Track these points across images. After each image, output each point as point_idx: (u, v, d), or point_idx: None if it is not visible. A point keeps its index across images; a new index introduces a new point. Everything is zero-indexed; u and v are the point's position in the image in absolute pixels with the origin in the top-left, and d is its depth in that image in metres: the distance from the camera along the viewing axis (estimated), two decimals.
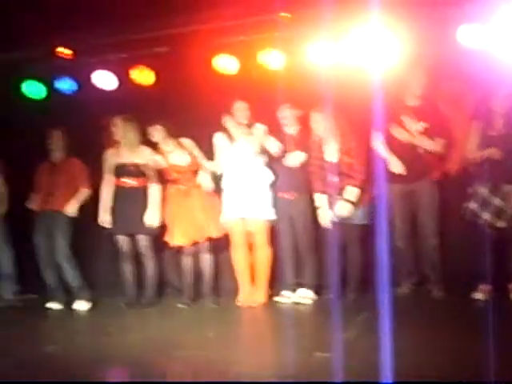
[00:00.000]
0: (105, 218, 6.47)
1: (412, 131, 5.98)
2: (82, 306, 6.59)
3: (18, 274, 7.01)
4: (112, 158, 6.54)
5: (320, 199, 6.06)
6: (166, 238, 6.46)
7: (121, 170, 6.48)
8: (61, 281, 6.76)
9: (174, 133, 6.39)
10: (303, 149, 6.18)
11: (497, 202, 5.62)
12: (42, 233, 6.68)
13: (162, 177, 6.53)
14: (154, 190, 6.47)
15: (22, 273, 7.05)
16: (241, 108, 6.27)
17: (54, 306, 6.66)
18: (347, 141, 5.95)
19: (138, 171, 6.46)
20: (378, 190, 5.35)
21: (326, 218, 6.01)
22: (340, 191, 5.91)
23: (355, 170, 5.90)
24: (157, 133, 6.40)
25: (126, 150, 6.50)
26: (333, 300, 5.56)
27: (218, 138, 6.36)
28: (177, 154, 6.43)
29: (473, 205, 5.70)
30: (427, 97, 6.02)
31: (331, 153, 5.99)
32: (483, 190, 5.66)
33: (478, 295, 5.67)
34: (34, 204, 6.69)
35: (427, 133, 5.96)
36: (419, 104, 6.02)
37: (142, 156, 6.49)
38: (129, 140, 6.48)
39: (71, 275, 6.65)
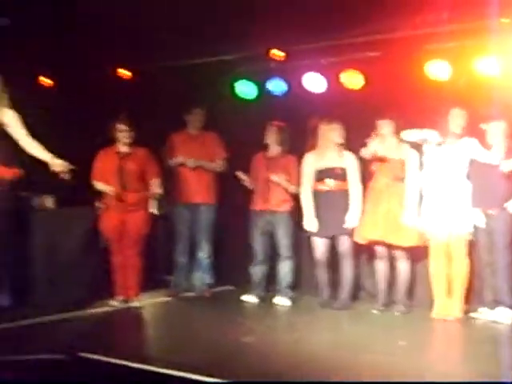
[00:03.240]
0: (311, 222, 6.58)
1: None
2: (283, 301, 6.78)
3: (213, 266, 7.30)
4: (314, 161, 6.63)
5: None
6: (357, 234, 6.43)
7: (324, 173, 6.55)
8: (265, 276, 7.01)
9: (401, 129, 6.34)
10: None
11: None
12: (260, 230, 6.93)
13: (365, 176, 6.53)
14: (355, 192, 6.48)
15: (218, 264, 7.35)
16: (458, 115, 6.10)
17: (250, 299, 6.92)
18: None
19: (341, 174, 6.51)
20: None
21: None
22: None
23: None
24: (386, 126, 6.39)
25: (328, 153, 6.56)
26: None
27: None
28: (396, 151, 6.38)
29: None
30: None
31: None
32: None
33: None
34: (253, 204, 6.96)
35: None
36: None
37: (346, 159, 6.54)
38: (332, 143, 6.54)
39: (286, 271, 6.86)
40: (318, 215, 6.55)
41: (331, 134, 6.55)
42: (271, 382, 4.33)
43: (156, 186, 6.61)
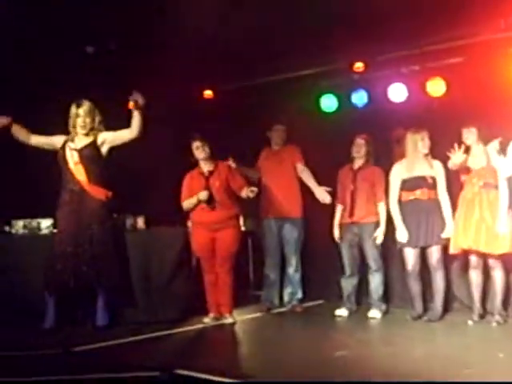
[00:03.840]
0: (403, 233, 6.52)
1: None
2: (376, 314, 6.75)
3: (303, 280, 7.30)
4: (401, 171, 6.58)
5: None
6: (451, 245, 6.32)
7: (414, 183, 6.49)
8: (354, 289, 7.00)
9: (486, 137, 6.23)
10: None
11: None
12: (347, 242, 6.95)
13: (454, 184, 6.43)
14: (446, 201, 6.40)
15: (305, 279, 7.36)
16: None
17: (342, 313, 6.89)
18: None
19: (432, 183, 6.43)
20: None
21: None
22: None
23: None
24: (471, 135, 6.29)
25: (417, 162, 6.50)
26: None
27: None
28: (483, 158, 6.26)
29: None
30: None
31: None
32: None
33: None
34: (340, 217, 6.98)
35: None
36: None
37: (435, 167, 6.47)
38: (420, 153, 6.47)
39: (377, 284, 6.85)
40: (410, 225, 6.49)
41: (419, 143, 6.49)
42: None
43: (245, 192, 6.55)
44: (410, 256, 6.51)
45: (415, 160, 6.52)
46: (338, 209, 7.04)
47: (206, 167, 6.62)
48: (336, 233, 7.01)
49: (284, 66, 7.17)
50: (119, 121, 6.29)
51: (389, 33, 6.19)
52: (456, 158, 6.17)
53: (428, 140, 6.49)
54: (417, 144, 6.50)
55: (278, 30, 6.52)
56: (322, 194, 6.94)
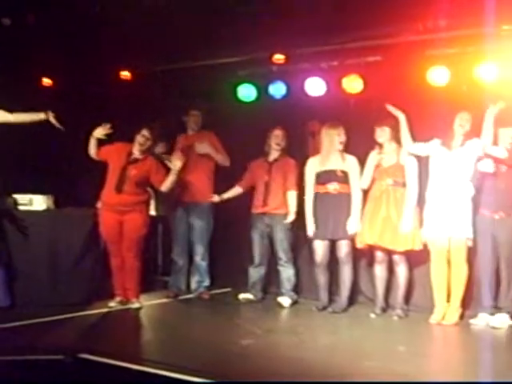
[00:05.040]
0: (311, 227, 6.61)
1: None
2: (286, 301, 6.84)
3: (210, 268, 7.29)
4: (315, 165, 6.66)
5: None
6: (357, 240, 6.47)
7: (325, 177, 6.58)
8: (262, 278, 7.07)
9: (399, 137, 6.38)
10: None
11: None
12: (259, 232, 6.98)
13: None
14: (356, 196, 6.51)
15: (214, 267, 7.37)
16: (463, 119, 6.12)
17: (246, 296, 6.99)
18: None
19: (343, 177, 6.53)
20: None
21: None
22: None
23: None
24: (383, 133, 6.42)
25: (332, 157, 6.59)
26: None
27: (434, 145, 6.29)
28: (395, 156, 6.43)
29: None
30: None
31: None
32: None
33: None
34: (253, 207, 7.00)
35: None
36: None
37: (348, 162, 6.57)
38: (335, 147, 6.57)
39: (289, 274, 6.93)
40: (320, 218, 6.58)
41: (334, 138, 6.58)
42: (269, 382, 4.36)
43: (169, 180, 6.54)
44: (319, 248, 6.61)
45: (330, 154, 6.61)
46: (236, 189, 7.10)
47: (136, 153, 6.55)
48: (215, 198, 7.04)
49: (204, 53, 7.11)
50: (21, 96, 6.12)
51: (310, 27, 6.23)
52: (371, 157, 6.38)
53: (343, 135, 6.60)
54: (332, 139, 6.59)
55: (199, 17, 6.46)
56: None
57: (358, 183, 6.54)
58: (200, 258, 7.21)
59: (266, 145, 6.99)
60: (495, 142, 5.96)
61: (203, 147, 7.04)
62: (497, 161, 5.96)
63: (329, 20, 6.09)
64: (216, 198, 7.02)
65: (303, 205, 6.75)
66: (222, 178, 7.21)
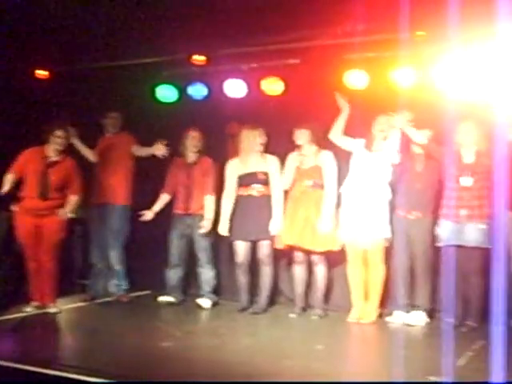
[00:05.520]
0: (224, 228, 6.63)
1: None
2: (206, 303, 6.83)
3: (127, 271, 7.21)
4: (236, 167, 6.68)
5: (443, 224, 5.95)
6: (278, 241, 6.51)
7: (248, 179, 6.60)
8: (180, 280, 7.02)
9: (318, 137, 6.46)
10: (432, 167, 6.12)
11: None
12: (178, 232, 6.93)
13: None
14: (277, 197, 6.54)
15: (133, 269, 7.28)
16: (383, 123, 6.25)
17: (166, 299, 6.94)
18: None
19: (265, 179, 6.57)
20: (497, 214, 5.10)
21: (444, 240, 5.91)
22: (469, 218, 5.81)
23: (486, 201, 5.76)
24: (302, 136, 6.48)
25: (252, 158, 6.62)
26: (448, 325, 5.47)
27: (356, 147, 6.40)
28: (313, 158, 6.50)
29: None
30: None
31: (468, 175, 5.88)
32: None
33: None
34: (175, 207, 6.95)
35: None
36: None
37: (269, 163, 6.60)
38: (255, 149, 6.60)
39: (209, 276, 6.91)
40: (241, 220, 6.59)
41: (255, 140, 6.61)
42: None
43: (72, 203, 6.49)
44: (240, 249, 6.63)
45: (249, 156, 6.64)
46: (164, 198, 7.00)
47: (52, 154, 6.39)
48: (148, 215, 6.92)
49: (124, 53, 7.01)
50: None
51: (231, 28, 6.23)
52: (290, 159, 6.49)
53: (263, 137, 6.64)
54: (251, 140, 6.61)
55: (119, 16, 6.37)
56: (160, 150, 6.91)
57: (279, 183, 6.58)
58: (117, 261, 7.13)
59: (181, 145, 6.96)
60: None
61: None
62: (410, 143, 6.13)
63: (249, 22, 6.10)
64: (149, 215, 6.90)
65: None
66: (143, 181, 7.15)
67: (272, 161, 6.62)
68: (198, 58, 7.07)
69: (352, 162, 6.36)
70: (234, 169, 6.69)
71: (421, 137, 6.02)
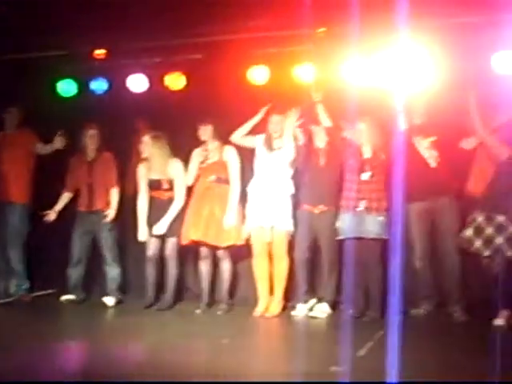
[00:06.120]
0: (143, 231, 6.60)
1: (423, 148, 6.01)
2: (110, 301, 6.74)
3: (26, 270, 7.05)
4: (145, 172, 6.67)
5: (343, 217, 6.09)
6: (182, 237, 6.51)
7: (155, 184, 6.61)
8: (82, 278, 6.91)
9: (221, 133, 6.49)
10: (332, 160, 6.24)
11: (489, 231, 5.61)
12: (81, 230, 6.82)
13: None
14: (178, 199, 6.55)
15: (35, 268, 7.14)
16: (274, 122, 6.35)
17: (68, 297, 6.83)
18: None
19: (168, 188, 6.58)
20: (394, 206, 5.27)
21: (345, 233, 6.04)
22: (368, 211, 5.97)
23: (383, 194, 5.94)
24: (206, 131, 6.48)
25: (156, 165, 6.59)
26: (349, 316, 5.60)
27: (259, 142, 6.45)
28: (217, 153, 6.53)
29: (469, 232, 5.69)
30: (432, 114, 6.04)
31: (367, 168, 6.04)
32: (480, 218, 5.65)
33: (499, 321, 5.60)
34: (78, 205, 6.85)
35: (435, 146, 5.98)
36: (424, 121, 6.07)
37: (172, 170, 6.58)
38: (158, 156, 6.57)
39: (115, 274, 6.83)
40: (151, 218, 6.59)
41: (156, 148, 6.56)
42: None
43: None
44: (152, 243, 6.62)
45: (154, 163, 6.60)
46: (65, 196, 6.92)
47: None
48: (51, 216, 6.83)
49: (23, 46, 6.79)
50: None
51: (133, 22, 6.14)
52: (194, 156, 6.51)
53: (166, 142, 6.59)
54: (155, 147, 6.56)
55: (18, 8, 6.16)
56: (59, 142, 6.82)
57: (181, 186, 6.58)
58: (16, 261, 6.95)
59: (81, 142, 6.87)
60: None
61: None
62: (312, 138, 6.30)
63: (152, 16, 6.04)
64: (52, 216, 6.79)
65: (127, 203, 6.75)
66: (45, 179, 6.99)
67: (175, 165, 6.60)
68: (100, 52, 6.95)
69: (255, 160, 6.42)
70: (143, 173, 6.69)
71: (328, 121, 6.15)
